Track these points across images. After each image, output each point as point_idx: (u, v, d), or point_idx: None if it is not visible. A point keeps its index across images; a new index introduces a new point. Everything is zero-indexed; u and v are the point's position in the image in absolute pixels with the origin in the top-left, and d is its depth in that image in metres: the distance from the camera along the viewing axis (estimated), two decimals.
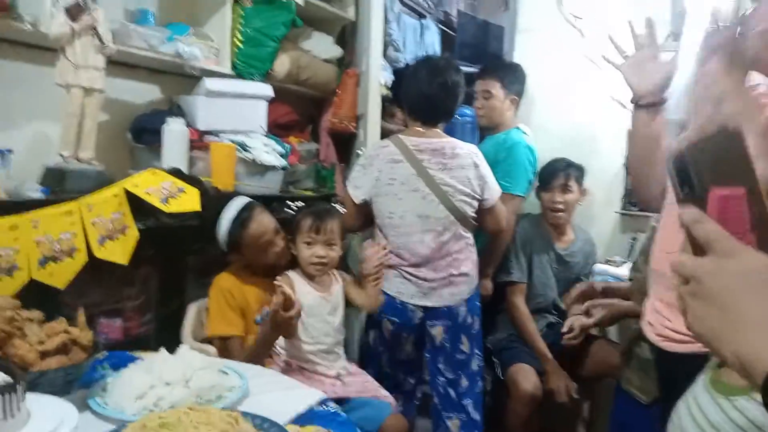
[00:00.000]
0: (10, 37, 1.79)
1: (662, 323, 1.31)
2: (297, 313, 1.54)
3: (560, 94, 2.96)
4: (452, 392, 2.17)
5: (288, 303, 1.51)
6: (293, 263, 1.84)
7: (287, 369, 1.74)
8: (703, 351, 0.63)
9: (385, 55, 3.08)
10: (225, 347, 1.69)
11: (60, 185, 1.65)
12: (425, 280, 2.10)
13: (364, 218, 2.19)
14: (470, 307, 2.18)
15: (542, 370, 2.37)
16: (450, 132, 2.37)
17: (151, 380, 1.16)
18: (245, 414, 1.05)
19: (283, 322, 1.53)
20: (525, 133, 2.59)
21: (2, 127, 1.75)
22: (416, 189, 2.06)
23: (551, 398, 2.32)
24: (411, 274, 2.10)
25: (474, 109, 2.73)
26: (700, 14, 2.25)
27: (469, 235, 2.17)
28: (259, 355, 1.64)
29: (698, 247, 0.59)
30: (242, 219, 1.74)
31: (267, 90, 2.33)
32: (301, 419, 1.18)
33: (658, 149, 1.42)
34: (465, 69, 2.32)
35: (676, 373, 1.05)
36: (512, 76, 2.64)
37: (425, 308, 2.11)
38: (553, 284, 2.56)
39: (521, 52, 3.14)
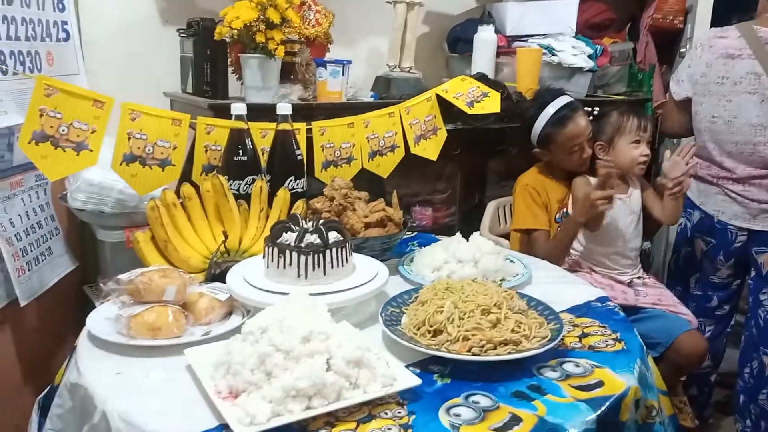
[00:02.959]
0: None
1: None
2: (609, 199, 1.56)
3: None
4: None
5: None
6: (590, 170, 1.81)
7: (577, 270, 1.77)
8: None
9: None
10: (530, 240, 1.78)
11: (386, 91, 1.97)
12: (755, 200, 1.83)
13: (686, 121, 1.95)
14: None
15: None
16: None
17: (446, 257, 1.36)
18: (521, 294, 1.16)
19: (596, 209, 1.57)
20: None
21: (344, 43, 2.11)
22: (754, 90, 1.76)
23: None
24: (737, 193, 1.85)
25: None
26: None
27: None
28: (562, 245, 1.70)
29: None
30: (561, 116, 1.74)
31: None
32: (577, 311, 1.23)
33: None
34: None
35: None
36: None
37: (751, 231, 1.86)
38: None
39: None
